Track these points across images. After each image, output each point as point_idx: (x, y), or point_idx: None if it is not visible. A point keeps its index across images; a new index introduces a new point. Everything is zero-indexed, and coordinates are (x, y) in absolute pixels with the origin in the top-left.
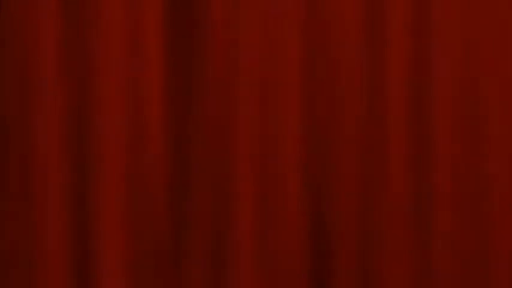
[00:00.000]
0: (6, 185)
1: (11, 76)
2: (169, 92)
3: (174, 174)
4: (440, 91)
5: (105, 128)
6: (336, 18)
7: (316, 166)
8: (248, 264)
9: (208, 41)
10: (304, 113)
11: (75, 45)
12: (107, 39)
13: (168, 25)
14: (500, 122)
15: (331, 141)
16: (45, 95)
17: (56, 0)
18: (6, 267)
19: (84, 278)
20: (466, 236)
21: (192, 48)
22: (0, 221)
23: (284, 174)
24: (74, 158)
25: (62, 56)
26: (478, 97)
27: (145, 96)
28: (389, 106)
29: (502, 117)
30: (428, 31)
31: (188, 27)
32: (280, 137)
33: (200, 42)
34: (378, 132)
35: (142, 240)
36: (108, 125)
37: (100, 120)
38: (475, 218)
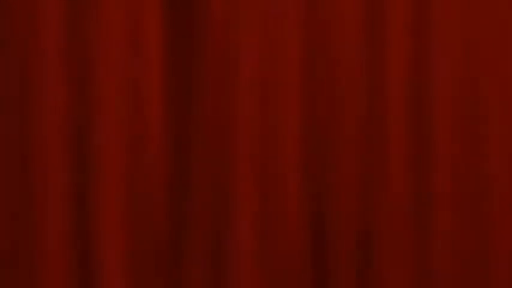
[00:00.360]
0: (6, 185)
1: (11, 76)
2: (169, 92)
3: (174, 174)
4: (440, 91)
5: (105, 127)
6: (336, 18)
7: (316, 166)
8: (248, 264)
9: (208, 41)
10: (304, 113)
11: (75, 45)
12: (107, 39)
13: (168, 25)
14: (500, 122)
15: (331, 141)
16: (45, 94)
17: (57, 1)
18: (6, 267)
19: (84, 278)
20: (466, 236)
21: (192, 48)
22: (0, 221)
23: (284, 174)
24: (74, 158)
25: (61, 55)
26: (478, 97)
27: (145, 96)
28: (389, 106)
29: (502, 117)
30: (428, 31)
31: (188, 27)
32: (280, 137)
33: (200, 42)
34: (378, 132)
35: (142, 240)
36: (108, 124)
37: (100, 120)
38: (475, 218)
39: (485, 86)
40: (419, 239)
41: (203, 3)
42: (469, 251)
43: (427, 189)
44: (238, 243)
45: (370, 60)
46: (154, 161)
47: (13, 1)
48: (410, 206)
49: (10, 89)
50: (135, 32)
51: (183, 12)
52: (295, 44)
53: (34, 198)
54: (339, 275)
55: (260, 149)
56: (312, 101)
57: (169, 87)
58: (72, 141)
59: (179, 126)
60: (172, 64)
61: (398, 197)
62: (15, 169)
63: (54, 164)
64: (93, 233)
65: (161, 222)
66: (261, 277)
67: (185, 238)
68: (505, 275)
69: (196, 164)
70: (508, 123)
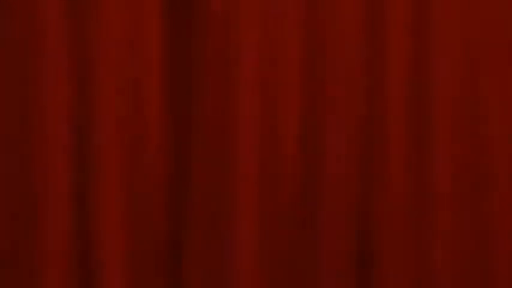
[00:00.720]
0: (6, 184)
1: (12, 76)
2: (169, 92)
3: (174, 174)
4: (440, 91)
5: (105, 127)
6: (336, 18)
7: (316, 166)
8: (248, 264)
9: (208, 41)
10: (304, 112)
11: (75, 45)
12: (107, 39)
13: (168, 25)
14: (500, 122)
15: (330, 141)
16: (45, 94)
17: (57, 1)
18: (7, 267)
19: (85, 278)
20: (466, 236)
21: (192, 48)
22: (0, 221)
23: (284, 174)
24: (74, 158)
25: (62, 56)
26: (478, 97)
27: (145, 96)
28: (389, 106)
29: (502, 117)
30: (428, 31)
31: (188, 27)
32: (280, 138)
33: (200, 42)
34: (378, 132)
35: (142, 240)
36: (108, 124)
37: (100, 120)
38: (475, 218)
39: (485, 86)
40: (420, 239)
41: (203, 3)
42: (469, 251)
43: (427, 189)
44: (238, 243)
45: (370, 60)
46: (154, 161)
47: (13, 1)
48: (411, 206)
49: (10, 89)
50: (135, 32)
51: (183, 12)
52: (295, 44)
53: (34, 198)
54: (339, 275)
55: (260, 149)
56: (312, 101)
57: (169, 87)
58: (72, 141)
59: (179, 126)
60: (172, 64)
61: (398, 197)
62: (16, 169)
63: (55, 163)
64: (93, 233)
65: (161, 222)
66: (261, 277)
67: (185, 238)
68: (505, 275)
69: (196, 164)
70: (508, 123)
